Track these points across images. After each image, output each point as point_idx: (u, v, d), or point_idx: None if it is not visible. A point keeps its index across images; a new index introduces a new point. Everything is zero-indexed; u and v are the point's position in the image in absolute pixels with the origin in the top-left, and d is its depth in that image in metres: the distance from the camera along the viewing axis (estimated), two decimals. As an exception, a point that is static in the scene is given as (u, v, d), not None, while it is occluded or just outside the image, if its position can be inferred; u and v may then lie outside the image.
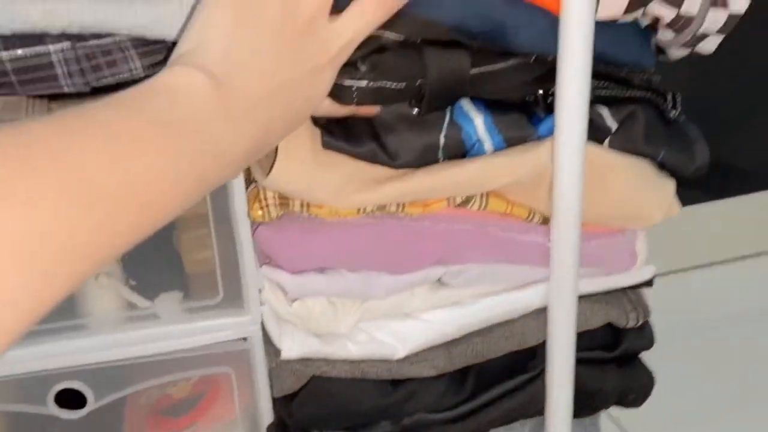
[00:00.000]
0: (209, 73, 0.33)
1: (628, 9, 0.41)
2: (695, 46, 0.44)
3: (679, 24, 0.42)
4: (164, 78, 0.33)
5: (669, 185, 0.49)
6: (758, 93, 1.41)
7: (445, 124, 0.44)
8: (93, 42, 0.39)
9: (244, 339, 0.46)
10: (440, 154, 0.44)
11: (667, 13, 0.41)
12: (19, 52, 0.38)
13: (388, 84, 0.41)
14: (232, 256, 0.45)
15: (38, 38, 0.38)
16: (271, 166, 0.40)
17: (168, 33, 0.39)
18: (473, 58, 0.42)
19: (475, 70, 0.42)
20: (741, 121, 1.49)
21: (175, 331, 0.45)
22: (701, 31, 0.42)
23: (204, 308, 0.45)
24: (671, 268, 1.40)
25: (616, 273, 0.52)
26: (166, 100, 0.32)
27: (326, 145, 0.41)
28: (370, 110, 0.43)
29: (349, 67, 0.40)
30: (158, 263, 0.45)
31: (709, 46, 0.44)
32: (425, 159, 0.44)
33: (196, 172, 0.32)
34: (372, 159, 0.42)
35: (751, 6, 0.42)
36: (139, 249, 0.32)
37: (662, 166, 0.49)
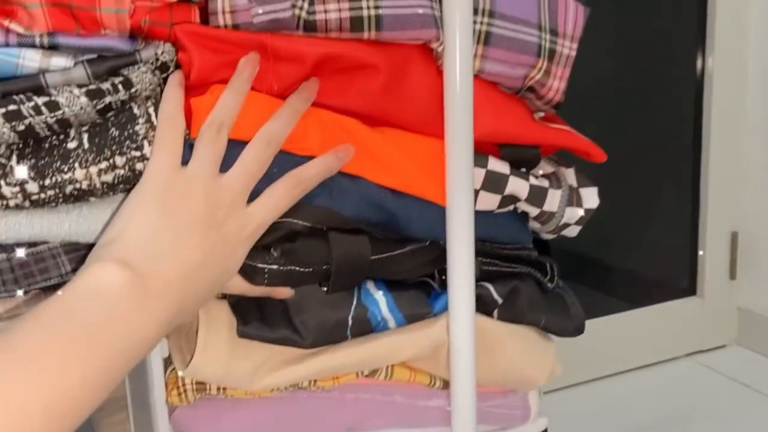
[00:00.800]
0: (128, 265, 0.40)
1: (500, 206, 0.53)
2: (560, 233, 0.56)
3: (543, 218, 0.54)
4: (85, 280, 0.39)
5: (551, 349, 0.59)
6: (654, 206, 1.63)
7: (353, 306, 0.52)
8: (27, 250, 0.45)
9: None
10: (348, 333, 0.52)
11: (532, 210, 0.53)
12: (-45, 264, 0.43)
13: (297, 268, 0.49)
14: (150, 439, 0.50)
15: (-25, 250, 0.44)
16: (190, 360, 0.47)
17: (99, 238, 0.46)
18: (374, 246, 0.51)
19: (375, 256, 0.51)
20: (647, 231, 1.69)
21: None
22: (563, 222, 0.54)
23: (122, 493, 0.49)
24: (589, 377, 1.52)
25: (511, 428, 0.61)
26: (87, 307, 0.38)
27: (242, 335, 0.48)
28: (284, 293, 0.51)
29: (263, 252, 0.48)
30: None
31: (571, 233, 0.56)
32: (334, 337, 0.51)
33: (115, 364, 0.39)
34: (284, 343, 0.50)
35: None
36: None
37: (545, 330, 0.60)
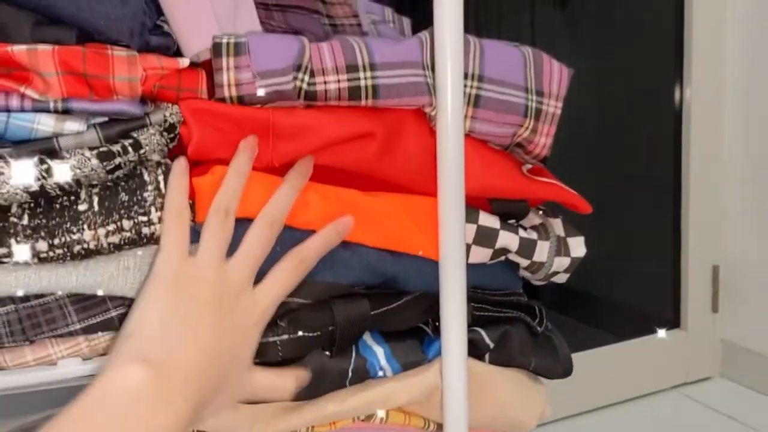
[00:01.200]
0: (146, 360, 0.41)
1: (492, 258, 0.55)
2: (549, 280, 0.58)
3: (533, 268, 0.56)
4: (105, 383, 0.40)
5: (541, 391, 0.61)
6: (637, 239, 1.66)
7: (353, 358, 0.54)
8: (35, 302, 0.47)
9: None
10: (347, 383, 0.54)
11: (522, 262, 0.55)
12: (-34, 317, 0.45)
13: (306, 334, 0.51)
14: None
15: (-15, 303, 0.46)
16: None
17: (105, 290, 0.48)
18: (372, 301, 0.53)
19: (374, 311, 0.53)
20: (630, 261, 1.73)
21: None
22: (552, 271, 0.57)
23: None
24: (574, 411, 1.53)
25: (504, 469, 0.63)
26: (110, 410, 0.39)
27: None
28: (304, 378, 0.51)
29: (271, 326, 0.49)
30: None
31: (560, 279, 0.58)
32: (333, 388, 0.53)
33: None
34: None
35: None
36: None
37: (534, 372, 0.62)
